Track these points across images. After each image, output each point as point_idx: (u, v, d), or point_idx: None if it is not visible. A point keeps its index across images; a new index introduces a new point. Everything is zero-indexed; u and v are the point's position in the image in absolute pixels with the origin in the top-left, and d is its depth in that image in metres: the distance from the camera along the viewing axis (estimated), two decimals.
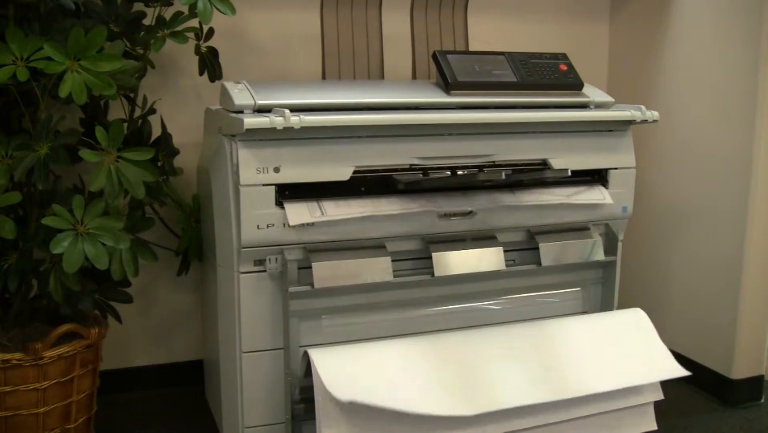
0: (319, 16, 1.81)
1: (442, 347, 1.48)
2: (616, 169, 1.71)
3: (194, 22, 1.60)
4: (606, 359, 1.57)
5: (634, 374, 1.56)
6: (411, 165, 1.53)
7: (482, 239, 1.61)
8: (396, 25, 1.91)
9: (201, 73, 1.76)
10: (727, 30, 1.86)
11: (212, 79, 1.76)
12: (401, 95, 1.61)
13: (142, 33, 1.62)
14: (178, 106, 1.89)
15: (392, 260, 1.51)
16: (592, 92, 1.76)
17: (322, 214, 1.43)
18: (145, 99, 1.71)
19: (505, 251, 1.61)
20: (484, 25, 2.11)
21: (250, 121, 1.36)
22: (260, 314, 1.49)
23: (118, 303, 1.63)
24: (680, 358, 2.04)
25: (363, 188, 1.51)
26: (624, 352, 1.59)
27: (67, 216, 1.38)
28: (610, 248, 1.73)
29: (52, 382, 1.49)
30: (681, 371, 1.59)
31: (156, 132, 1.74)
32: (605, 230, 1.74)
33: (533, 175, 1.60)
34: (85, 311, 1.59)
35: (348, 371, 1.39)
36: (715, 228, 1.93)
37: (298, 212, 1.42)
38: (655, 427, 1.64)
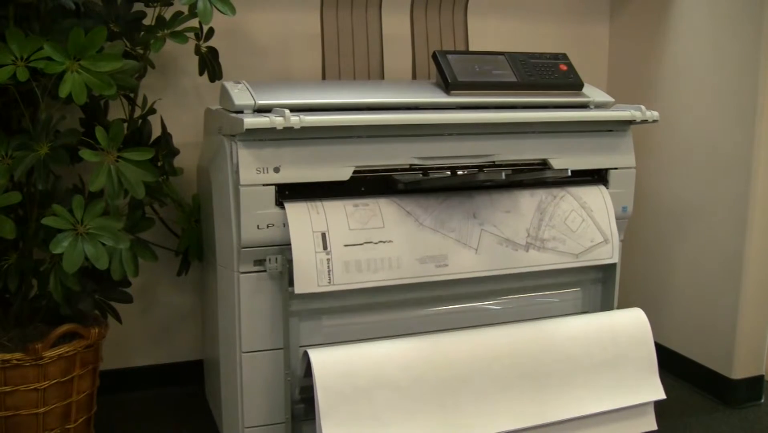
0: (319, 16, 1.81)
1: (442, 347, 1.48)
2: (616, 169, 1.71)
3: (194, 22, 1.60)
4: (600, 372, 1.58)
5: (620, 390, 1.59)
6: (411, 165, 1.53)
7: None
8: (396, 25, 1.91)
9: (201, 73, 1.76)
10: (727, 30, 1.86)
11: (212, 79, 1.76)
12: (401, 95, 1.61)
13: (142, 33, 1.62)
14: (178, 106, 1.89)
15: None
16: (592, 92, 1.76)
17: (329, 282, 1.43)
18: (145, 99, 1.71)
19: None
20: (484, 25, 2.11)
21: (250, 121, 1.36)
22: (260, 314, 1.49)
23: (118, 303, 1.63)
24: (680, 358, 2.05)
25: (363, 188, 1.51)
26: (617, 363, 1.60)
27: (67, 216, 1.38)
28: None
29: (52, 382, 1.49)
30: (658, 394, 1.62)
31: (156, 132, 1.74)
32: None
33: (533, 175, 1.60)
34: (85, 311, 1.59)
35: (347, 371, 1.39)
36: (715, 227, 1.93)
37: (305, 277, 1.42)
38: (655, 427, 1.64)
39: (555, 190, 1.62)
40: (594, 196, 1.67)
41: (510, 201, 1.59)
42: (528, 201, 1.61)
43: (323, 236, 1.43)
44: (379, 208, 1.49)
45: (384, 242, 1.47)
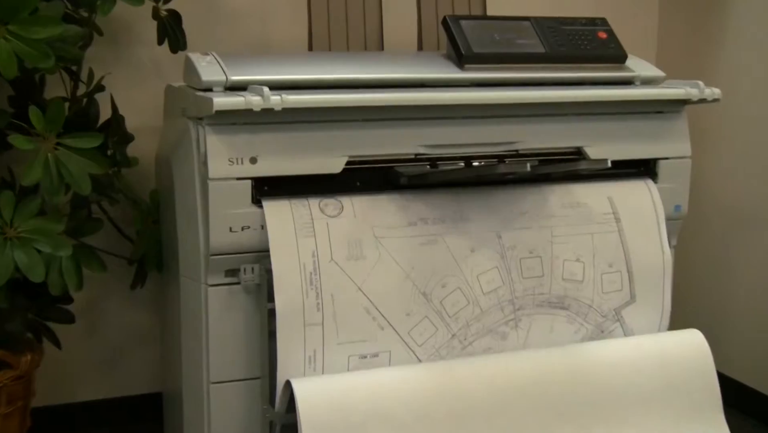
0: None
1: (453, 375, 1.49)
2: (667, 159, 1.72)
3: None
4: (648, 408, 1.59)
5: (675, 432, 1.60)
6: (416, 155, 1.54)
7: None
8: None
9: (160, 43, 1.76)
10: None
11: (174, 50, 1.76)
12: (404, 70, 1.62)
13: None
14: (133, 83, 1.89)
15: None
16: (638, 65, 1.76)
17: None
18: (91, 73, 1.71)
19: None
20: None
21: (221, 101, 1.36)
22: (233, 335, 1.49)
23: (58, 323, 1.63)
24: (747, 391, 2.05)
25: (358, 183, 1.51)
26: (670, 398, 1.61)
27: None
28: None
29: None
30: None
31: (105, 114, 1.74)
32: None
33: (565, 167, 1.60)
34: (15, 333, 1.58)
35: (338, 404, 1.39)
36: None
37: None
38: None
39: (606, 324, 1.63)
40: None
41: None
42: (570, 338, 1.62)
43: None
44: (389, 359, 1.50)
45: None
